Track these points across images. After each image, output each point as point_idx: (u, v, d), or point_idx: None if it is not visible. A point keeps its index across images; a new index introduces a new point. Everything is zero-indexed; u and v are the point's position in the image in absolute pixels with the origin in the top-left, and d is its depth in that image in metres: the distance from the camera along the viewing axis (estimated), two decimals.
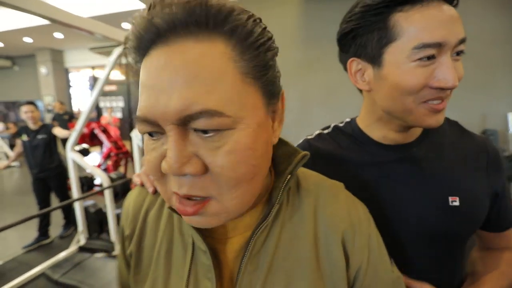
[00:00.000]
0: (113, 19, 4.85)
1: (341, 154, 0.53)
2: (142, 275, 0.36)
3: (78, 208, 2.25)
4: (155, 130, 0.25)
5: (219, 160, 0.24)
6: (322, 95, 3.68)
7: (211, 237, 0.34)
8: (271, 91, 0.28)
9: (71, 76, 7.73)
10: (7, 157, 6.25)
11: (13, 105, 8.77)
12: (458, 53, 0.41)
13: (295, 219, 0.34)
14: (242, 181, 0.25)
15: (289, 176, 0.32)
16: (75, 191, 2.16)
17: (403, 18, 0.39)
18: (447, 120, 0.54)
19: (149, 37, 0.24)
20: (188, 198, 0.25)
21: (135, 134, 2.93)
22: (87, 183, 2.57)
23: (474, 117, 3.33)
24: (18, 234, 2.62)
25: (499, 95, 3.22)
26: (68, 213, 2.62)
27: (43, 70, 7.46)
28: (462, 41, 0.40)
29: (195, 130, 0.24)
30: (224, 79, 0.23)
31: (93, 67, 7.33)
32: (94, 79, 7.39)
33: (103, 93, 7.36)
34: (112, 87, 7.16)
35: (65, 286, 1.38)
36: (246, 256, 0.30)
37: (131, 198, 0.40)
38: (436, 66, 0.39)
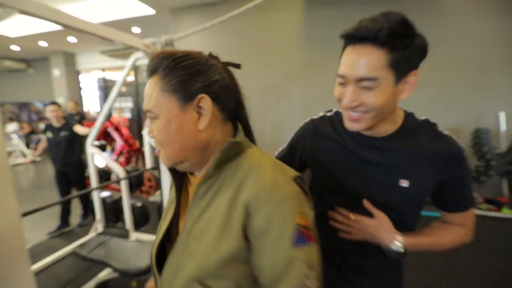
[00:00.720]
0: (125, 24, 5.11)
1: (333, 135, 0.71)
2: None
3: (96, 198, 2.48)
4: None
5: (154, 132, 0.49)
6: (322, 95, 3.86)
7: (189, 182, 0.57)
8: (183, 99, 0.47)
9: (81, 77, 8.03)
10: (24, 154, 6.58)
11: (25, 106, 9.15)
12: (365, 87, 0.56)
13: (231, 183, 0.48)
14: (163, 144, 0.49)
15: (217, 159, 0.47)
16: (94, 182, 2.38)
17: (343, 54, 0.60)
18: (426, 122, 0.68)
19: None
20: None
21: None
22: (104, 175, 2.82)
23: (469, 116, 3.46)
24: (40, 224, 2.86)
25: (492, 96, 3.35)
26: (86, 204, 2.86)
27: (56, 72, 7.78)
28: (362, 79, 0.55)
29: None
30: (153, 95, 0.48)
31: (103, 69, 7.62)
32: (104, 81, 7.69)
33: None
34: (122, 89, 7.44)
35: (93, 260, 1.60)
36: (194, 197, 0.50)
37: None
38: (345, 90, 0.59)
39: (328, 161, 0.72)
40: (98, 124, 2.36)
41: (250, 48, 4.16)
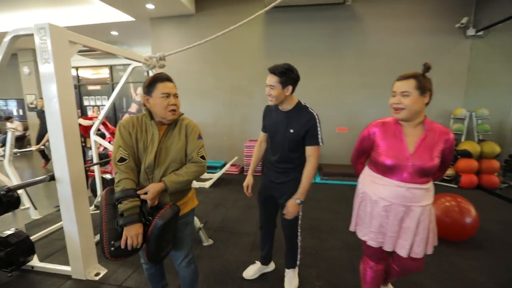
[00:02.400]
0: (104, 27, 5.55)
1: (272, 111, 1.59)
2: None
3: (97, 177, 3.09)
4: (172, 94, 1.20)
5: (178, 103, 1.22)
6: None
7: (159, 128, 1.23)
8: None
9: None
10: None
11: None
12: (271, 88, 1.44)
13: (178, 126, 1.22)
14: (179, 108, 1.23)
15: (178, 118, 1.23)
16: (95, 160, 3.00)
17: (268, 76, 1.46)
18: (305, 105, 1.49)
19: (162, 78, 1.20)
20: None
21: None
22: (104, 157, 3.38)
23: (388, 111, 4.55)
24: (48, 201, 3.37)
25: None
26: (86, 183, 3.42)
27: (25, 69, 7.79)
28: (270, 85, 1.43)
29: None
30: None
31: (77, 68, 7.80)
32: (78, 79, 7.86)
33: (87, 93, 7.87)
34: (97, 87, 7.71)
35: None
36: (165, 133, 1.20)
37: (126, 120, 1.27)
38: (267, 89, 1.45)
39: (269, 122, 1.60)
40: (100, 117, 2.97)
41: (221, 56, 4.93)
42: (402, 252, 1.20)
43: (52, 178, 1.70)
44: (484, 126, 4.09)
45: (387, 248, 1.24)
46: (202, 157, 1.22)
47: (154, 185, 1.12)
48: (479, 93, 4.27)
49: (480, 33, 4.14)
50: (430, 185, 1.20)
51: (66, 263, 1.90)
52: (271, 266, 1.95)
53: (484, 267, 2.00)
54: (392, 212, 1.20)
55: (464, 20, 4.10)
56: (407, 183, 1.15)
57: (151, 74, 2.62)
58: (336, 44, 4.54)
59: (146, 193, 1.12)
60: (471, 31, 4.14)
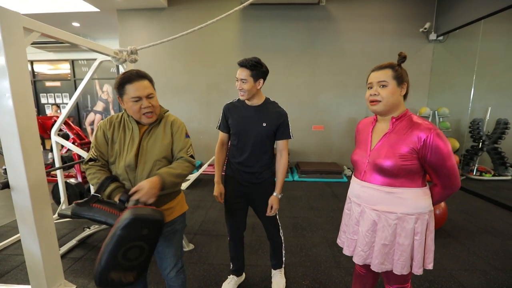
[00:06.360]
0: (64, 17, 5.06)
1: (238, 107, 1.52)
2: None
3: (60, 182, 2.79)
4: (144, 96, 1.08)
5: (154, 103, 1.11)
6: None
7: (140, 128, 1.13)
8: None
9: None
10: None
11: None
12: (242, 82, 1.40)
13: (162, 123, 1.14)
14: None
15: (159, 115, 1.13)
16: (57, 164, 2.70)
17: (238, 70, 1.43)
18: (274, 101, 1.52)
19: (130, 78, 1.05)
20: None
21: None
22: (68, 160, 3.06)
23: (360, 108, 4.76)
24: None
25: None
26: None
27: None
28: (242, 79, 1.39)
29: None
30: None
31: (31, 62, 7.04)
32: (33, 74, 7.10)
33: (45, 90, 7.15)
34: (56, 84, 7.03)
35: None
36: (147, 132, 1.11)
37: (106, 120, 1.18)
38: (238, 83, 1.44)
39: (236, 119, 1.51)
40: (62, 117, 2.69)
41: (195, 52, 4.75)
42: (356, 259, 1.11)
43: (6, 185, 1.47)
44: (445, 123, 4.44)
45: (346, 251, 1.17)
46: (192, 157, 1.16)
47: (147, 180, 0.96)
48: (441, 94, 4.63)
49: (441, 38, 4.48)
50: (398, 191, 1.00)
51: (25, 281, 1.67)
52: (243, 275, 1.83)
53: (453, 254, 2.15)
54: (351, 211, 1.15)
55: (427, 25, 4.40)
56: (362, 180, 1.08)
57: (121, 69, 2.42)
58: (310, 43, 4.61)
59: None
60: (432, 36, 4.46)
